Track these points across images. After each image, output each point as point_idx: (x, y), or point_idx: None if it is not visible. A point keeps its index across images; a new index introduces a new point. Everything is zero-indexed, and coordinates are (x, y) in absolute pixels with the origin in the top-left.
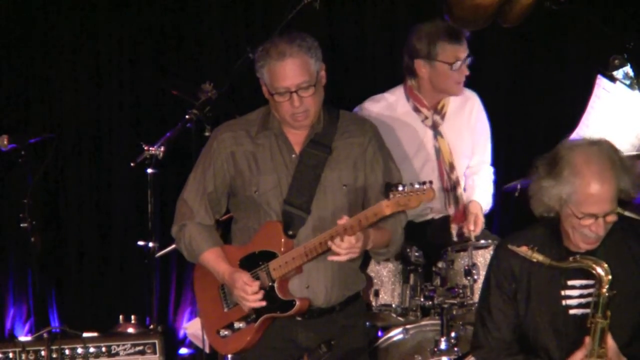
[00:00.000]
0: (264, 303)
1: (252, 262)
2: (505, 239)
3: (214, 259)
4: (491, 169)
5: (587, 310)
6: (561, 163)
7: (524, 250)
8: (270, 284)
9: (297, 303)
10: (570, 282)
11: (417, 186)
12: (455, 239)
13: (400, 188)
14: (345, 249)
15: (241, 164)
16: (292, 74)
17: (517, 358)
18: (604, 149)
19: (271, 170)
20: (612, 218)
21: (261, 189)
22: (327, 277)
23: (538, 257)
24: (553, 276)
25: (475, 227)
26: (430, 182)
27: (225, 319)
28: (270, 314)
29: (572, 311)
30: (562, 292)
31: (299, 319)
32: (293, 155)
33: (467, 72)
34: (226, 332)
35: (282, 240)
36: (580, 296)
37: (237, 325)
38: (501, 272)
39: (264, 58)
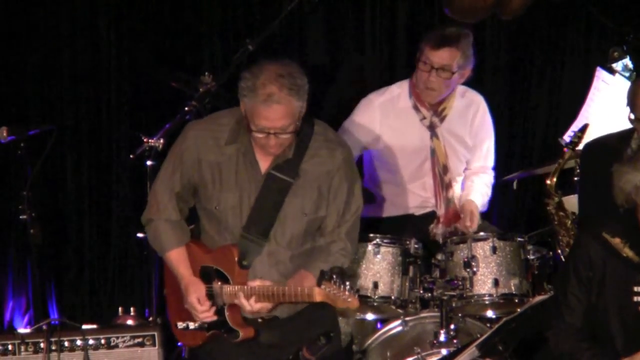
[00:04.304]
0: (214, 317)
1: (211, 275)
2: (594, 225)
3: (175, 261)
4: (492, 173)
5: None
6: None
7: (616, 241)
8: (222, 304)
9: (241, 335)
10: None
11: (347, 290)
12: (440, 240)
13: (334, 279)
14: (254, 311)
15: (206, 174)
16: (275, 118)
17: (583, 345)
18: None
19: (234, 188)
20: None
21: (222, 205)
22: None
23: (628, 252)
24: (628, 270)
25: (471, 223)
26: (357, 292)
27: (184, 314)
28: (218, 332)
29: None
30: (635, 288)
31: (260, 320)
32: (258, 176)
33: (436, 84)
34: (183, 326)
35: (236, 269)
36: None
37: (191, 325)
38: (579, 258)
39: (250, 92)
